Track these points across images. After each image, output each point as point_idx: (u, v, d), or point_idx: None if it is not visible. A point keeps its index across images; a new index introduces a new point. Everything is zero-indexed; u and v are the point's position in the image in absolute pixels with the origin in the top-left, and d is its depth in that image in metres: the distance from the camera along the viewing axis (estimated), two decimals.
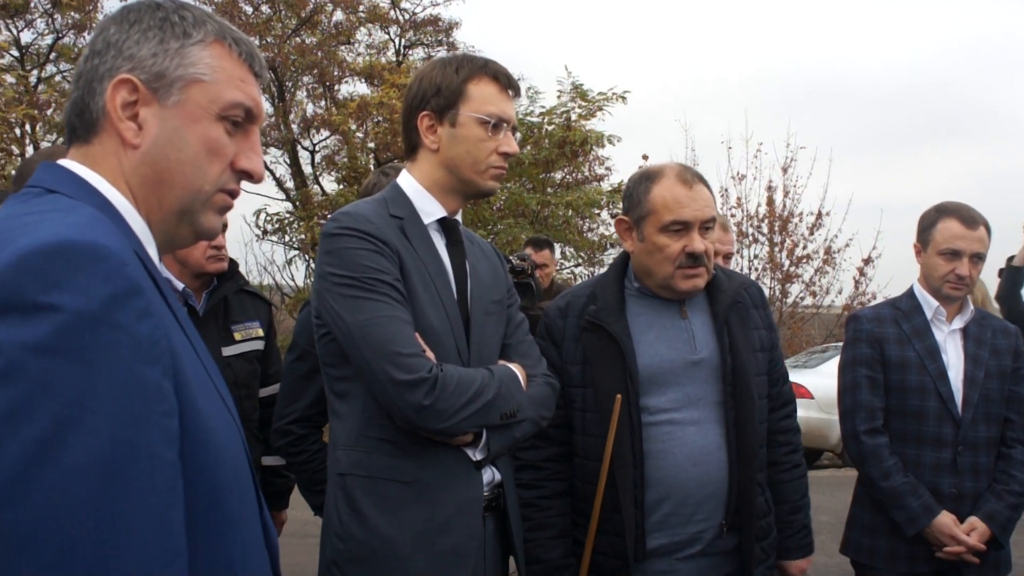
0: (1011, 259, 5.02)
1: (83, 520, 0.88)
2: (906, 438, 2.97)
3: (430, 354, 1.96)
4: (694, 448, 2.32)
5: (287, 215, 14.32)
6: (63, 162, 1.16)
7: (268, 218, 14.25)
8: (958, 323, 3.05)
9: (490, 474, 2.11)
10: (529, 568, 2.33)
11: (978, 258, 2.99)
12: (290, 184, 14.85)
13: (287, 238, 14.41)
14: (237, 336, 3.13)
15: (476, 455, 2.05)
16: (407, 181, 2.17)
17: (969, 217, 2.98)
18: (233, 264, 3.17)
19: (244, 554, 1.10)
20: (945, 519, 2.87)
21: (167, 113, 1.16)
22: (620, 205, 12.95)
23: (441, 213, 2.15)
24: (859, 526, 3.11)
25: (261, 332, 3.24)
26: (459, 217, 2.23)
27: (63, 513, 0.87)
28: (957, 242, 2.96)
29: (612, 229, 13.95)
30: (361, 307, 1.92)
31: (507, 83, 2.15)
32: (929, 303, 3.06)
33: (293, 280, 15.00)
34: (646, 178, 2.41)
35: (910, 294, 3.13)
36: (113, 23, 1.19)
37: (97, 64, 1.17)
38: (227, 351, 3.07)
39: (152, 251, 1.18)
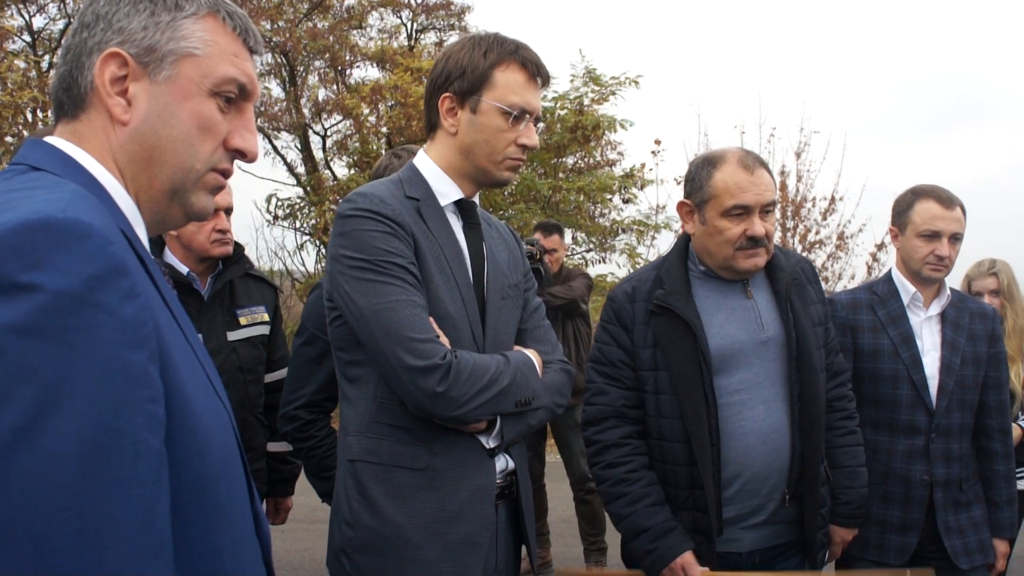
0: None
1: (63, 510, 0.84)
2: (879, 425, 2.95)
3: (444, 340, 1.92)
4: (764, 426, 2.39)
5: (298, 200, 14.32)
6: (49, 139, 1.12)
7: (279, 203, 14.27)
8: (935, 308, 3.03)
9: (503, 462, 2.07)
10: (636, 542, 2.39)
11: (956, 238, 2.97)
12: (301, 169, 14.82)
13: (298, 223, 14.41)
14: (243, 321, 3.11)
15: (489, 443, 2.01)
16: (424, 162, 2.11)
17: (946, 197, 2.97)
18: (238, 248, 3.14)
19: (234, 544, 1.07)
20: None
21: (158, 89, 1.12)
22: (632, 190, 12.87)
23: (458, 195, 2.10)
24: None
25: (267, 317, 3.21)
26: (476, 199, 2.18)
27: (42, 502, 0.83)
28: (936, 223, 2.94)
29: (624, 214, 13.91)
30: (374, 291, 1.87)
31: (536, 71, 2.06)
32: (907, 288, 3.02)
33: (304, 266, 15.00)
34: (708, 163, 2.47)
35: (887, 279, 3.10)
36: None
37: (86, 37, 1.13)
38: (232, 336, 3.05)
39: (141, 231, 1.14)
